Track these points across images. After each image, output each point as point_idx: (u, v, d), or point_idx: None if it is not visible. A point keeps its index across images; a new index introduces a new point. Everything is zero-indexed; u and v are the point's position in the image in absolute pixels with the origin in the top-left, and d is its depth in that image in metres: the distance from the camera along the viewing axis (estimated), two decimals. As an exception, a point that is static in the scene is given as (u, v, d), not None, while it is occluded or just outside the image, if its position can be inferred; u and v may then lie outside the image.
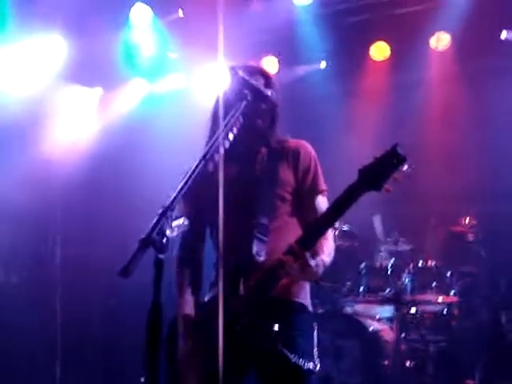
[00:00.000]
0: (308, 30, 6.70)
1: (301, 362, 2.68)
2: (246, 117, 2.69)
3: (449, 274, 5.75)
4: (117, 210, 6.68)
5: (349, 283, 5.83)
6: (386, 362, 5.42)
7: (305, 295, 2.87)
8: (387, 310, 5.80)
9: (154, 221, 2.18)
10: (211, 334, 2.53)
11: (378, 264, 5.87)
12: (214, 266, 2.85)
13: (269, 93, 2.82)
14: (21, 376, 6.00)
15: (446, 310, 5.71)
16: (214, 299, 2.47)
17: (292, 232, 2.81)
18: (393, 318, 5.72)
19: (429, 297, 5.71)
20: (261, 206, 2.82)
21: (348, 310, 5.79)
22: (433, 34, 6.74)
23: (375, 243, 6.09)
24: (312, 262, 2.60)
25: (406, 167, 2.46)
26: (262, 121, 2.89)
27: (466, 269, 5.94)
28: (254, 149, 2.94)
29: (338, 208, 2.57)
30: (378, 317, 5.79)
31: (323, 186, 2.92)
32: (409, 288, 5.70)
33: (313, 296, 2.96)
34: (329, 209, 2.63)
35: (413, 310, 5.68)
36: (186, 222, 2.44)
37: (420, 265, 5.75)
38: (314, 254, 2.64)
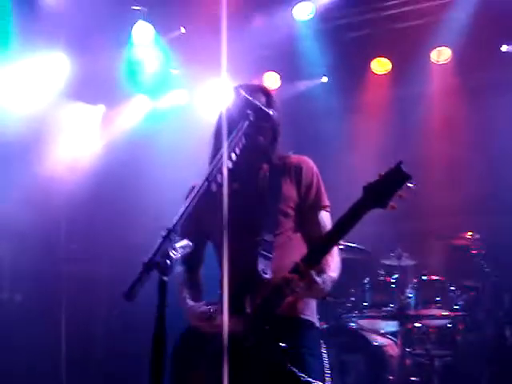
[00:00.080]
0: (309, 45, 6.74)
1: (310, 380, 2.66)
2: (248, 136, 2.71)
3: (452, 288, 5.74)
4: (120, 226, 6.70)
5: (353, 298, 5.82)
6: (391, 377, 5.39)
7: (311, 312, 2.87)
8: (391, 325, 5.78)
9: (158, 243, 2.19)
10: (218, 353, 2.52)
11: (381, 279, 5.86)
12: (219, 284, 2.86)
13: (270, 112, 2.84)
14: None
15: (450, 324, 5.70)
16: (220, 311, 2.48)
17: (296, 248, 2.82)
18: (397, 332, 5.69)
19: (433, 311, 5.69)
20: (264, 222, 2.83)
21: (352, 325, 5.77)
22: (433, 48, 6.78)
23: (378, 258, 6.07)
24: (318, 280, 2.61)
25: (410, 185, 2.47)
26: (263, 138, 2.91)
27: (469, 283, 5.92)
28: (256, 165, 2.96)
29: (344, 225, 2.58)
30: (382, 332, 5.77)
31: (326, 201, 2.94)
32: (413, 303, 5.68)
33: (317, 311, 2.95)
34: (334, 226, 2.63)
35: (417, 324, 5.68)
36: (191, 244, 2.46)
37: (424, 279, 5.74)
38: (320, 271, 2.65)
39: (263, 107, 2.81)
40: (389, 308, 5.72)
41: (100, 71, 6.36)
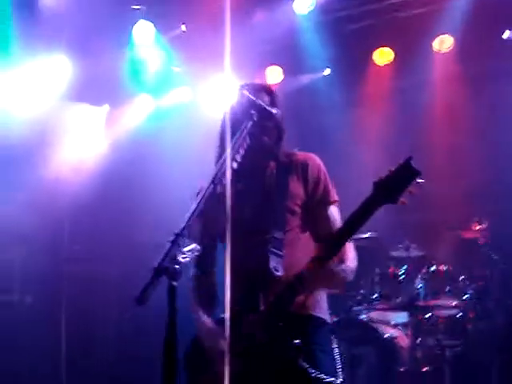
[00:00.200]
0: (310, 38, 6.72)
1: (322, 376, 2.68)
2: (252, 136, 2.72)
3: (461, 278, 5.75)
4: (125, 226, 6.72)
5: (362, 291, 5.84)
6: (403, 369, 5.41)
7: (322, 309, 2.89)
8: (402, 317, 5.79)
9: (166, 248, 2.21)
10: (231, 351, 2.53)
11: (390, 271, 5.86)
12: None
13: (274, 111, 2.85)
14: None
15: (460, 313, 5.69)
16: (232, 316, 2.50)
17: (306, 245, 2.85)
18: (407, 324, 5.71)
19: (442, 301, 5.70)
20: (272, 220, 2.84)
21: (362, 317, 5.78)
22: (436, 37, 6.74)
23: (387, 250, 6.08)
24: (338, 269, 2.63)
25: (420, 180, 2.48)
26: (268, 138, 2.92)
27: (478, 272, 5.92)
28: (263, 164, 2.97)
29: (355, 222, 2.59)
30: (392, 323, 5.78)
31: (335, 196, 2.94)
32: (422, 293, 5.69)
33: (328, 306, 2.97)
34: (345, 223, 2.64)
35: (427, 315, 5.68)
36: (198, 247, 2.47)
37: (432, 270, 5.75)
38: (339, 262, 2.67)
39: (267, 107, 2.82)
40: (398, 299, 5.73)
41: (102, 72, 6.36)
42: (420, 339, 5.62)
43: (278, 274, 2.75)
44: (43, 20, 5.82)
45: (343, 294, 5.67)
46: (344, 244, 2.66)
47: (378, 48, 7.01)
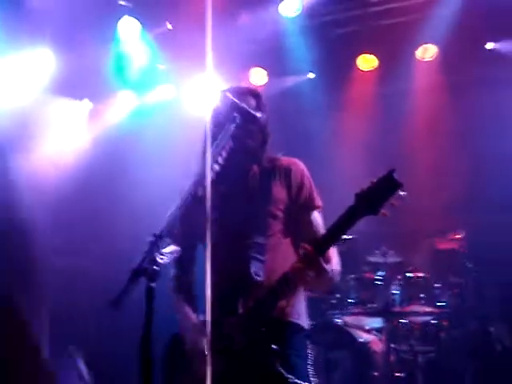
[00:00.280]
0: (295, 41, 6.73)
1: (297, 381, 2.71)
2: (235, 139, 2.73)
3: (437, 285, 5.81)
4: (105, 221, 6.69)
5: (338, 295, 5.86)
6: (376, 373, 5.45)
7: (302, 315, 2.92)
8: (376, 322, 5.83)
9: (145, 250, 2.21)
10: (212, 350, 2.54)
11: (366, 276, 5.90)
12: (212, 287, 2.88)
13: (258, 114, 2.86)
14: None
15: (434, 320, 5.75)
16: (212, 317, 2.51)
17: (287, 251, 2.88)
18: (382, 329, 5.76)
19: (417, 308, 5.75)
20: (254, 224, 2.86)
21: (337, 321, 5.81)
22: (419, 45, 6.80)
23: (363, 255, 6.12)
24: (327, 267, 2.65)
25: (402, 193, 2.50)
26: (252, 141, 2.93)
27: (453, 280, 5.99)
28: (246, 168, 2.97)
29: (337, 231, 2.61)
30: (367, 328, 5.82)
31: (319, 202, 2.96)
32: (397, 299, 5.74)
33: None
34: (326, 233, 2.66)
35: (402, 321, 5.73)
36: (178, 249, 2.48)
37: (408, 276, 5.80)
38: (326, 261, 2.68)
39: (250, 110, 2.83)
40: (374, 304, 5.77)
41: (86, 67, 6.32)
42: (394, 345, 5.67)
43: (259, 278, 2.77)
44: (28, 12, 5.76)
45: (324, 296, 5.69)
46: (325, 252, 2.68)
47: (362, 54, 7.06)
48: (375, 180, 2.54)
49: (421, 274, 5.84)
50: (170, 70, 7.17)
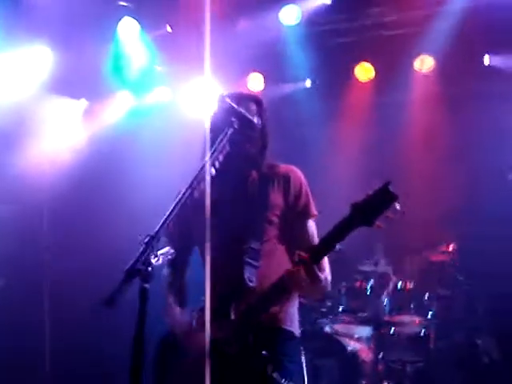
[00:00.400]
0: (294, 48, 6.76)
1: None
2: (233, 143, 2.74)
3: (426, 296, 5.84)
4: (101, 220, 6.68)
5: (328, 303, 5.87)
6: (364, 382, 5.47)
7: (294, 323, 2.92)
8: (365, 330, 5.84)
9: (140, 250, 2.22)
10: (200, 358, 2.55)
11: (357, 285, 5.92)
12: (203, 291, 2.88)
13: (255, 120, 2.87)
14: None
15: (422, 331, 5.77)
16: (203, 323, 2.51)
17: (282, 257, 2.88)
18: (371, 338, 5.77)
19: (406, 318, 5.79)
20: (251, 229, 2.86)
21: (327, 329, 5.82)
22: (417, 57, 6.84)
23: (355, 264, 6.14)
24: (321, 275, 2.65)
25: (397, 205, 2.50)
26: (251, 146, 2.93)
27: (442, 291, 6.02)
28: (245, 173, 2.98)
29: (331, 241, 2.61)
30: (356, 336, 5.83)
31: (315, 211, 2.97)
32: (387, 309, 5.76)
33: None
34: (321, 242, 2.66)
35: (391, 330, 5.75)
36: (172, 251, 2.50)
37: (399, 287, 5.83)
38: (321, 270, 2.69)
39: (247, 115, 2.83)
40: (364, 313, 5.79)
41: (84, 66, 6.32)
42: (382, 354, 5.68)
43: (252, 284, 2.77)
44: (27, 9, 5.76)
45: (315, 303, 5.70)
46: (320, 260, 2.68)
47: (360, 63, 7.08)
48: (371, 192, 2.54)
49: (411, 285, 5.87)
50: (168, 72, 7.18)
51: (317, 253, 2.64)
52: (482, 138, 6.48)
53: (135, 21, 6.53)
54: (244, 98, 2.97)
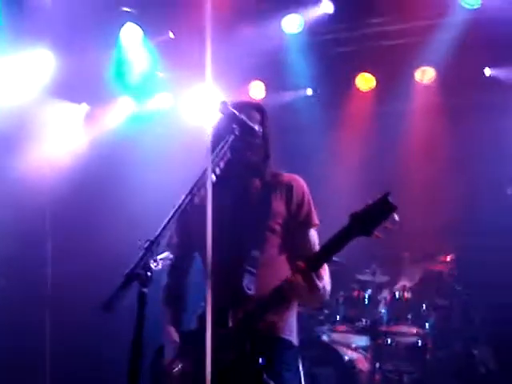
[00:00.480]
0: (296, 57, 6.77)
1: None
2: (234, 150, 2.74)
3: (424, 306, 5.83)
4: (101, 224, 6.68)
5: (326, 311, 5.87)
6: (360, 392, 5.46)
7: (293, 332, 2.93)
8: (363, 340, 5.84)
9: (139, 255, 2.22)
10: (198, 365, 2.55)
11: (355, 294, 5.92)
12: (203, 297, 2.88)
13: (256, 127, 2.87)
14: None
15: (420, 341, 5.76)
16: (202, 330, 2.51)
17: (281, 266, 2.89)
18: (368, 347, 5.76)
19: (404, 328, 5.79)
20: (252, 237, 2.87)
21: (324, 338, 5.81)
22: (418, 68, 6.85)
23: (353, 273, 6.14)
24: (319, 284, 2.66)
25: (396, 216, 2.52)
26: (253, 154, 2.94)
27: (440, 302, 6.02)
28: (247, 181, 2.99)
29: (329, 250, 2.63)
30: (353, 346, 5.82)
31: (316, 220, 2.98)
32: (385, 319, 5.76)
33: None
34: (320, 250, 2.68)
35: (388, 340, 5.74)
36: (171, 256, 2.49)
37: (396, 296, 5.83)
38: (319, 278, 2.69)
39: (248, 122, 2.83)
40: (361, 323, 5.78)
41: (86, 70, 6.33)
42: (379, 364, 5.67)
43: (250, 292, 2.78)
44: (31, 13, 5.78)
45: (313, 312, 5.70)
46: (318, 269, 2.69)
47: (361, 73, 7.10)
48: (370, 202, 2.56)
49: (409, 295, 5.86)
50: (170, 78, 7.20)
51: (315, 261, 2.65)
52: (483, 149, 6.50)
53: (138, 27, 6.54)
54: (246, 106, 2.98)
